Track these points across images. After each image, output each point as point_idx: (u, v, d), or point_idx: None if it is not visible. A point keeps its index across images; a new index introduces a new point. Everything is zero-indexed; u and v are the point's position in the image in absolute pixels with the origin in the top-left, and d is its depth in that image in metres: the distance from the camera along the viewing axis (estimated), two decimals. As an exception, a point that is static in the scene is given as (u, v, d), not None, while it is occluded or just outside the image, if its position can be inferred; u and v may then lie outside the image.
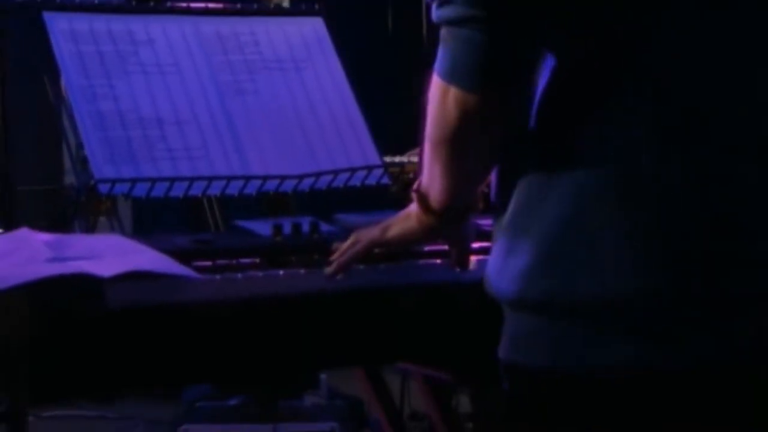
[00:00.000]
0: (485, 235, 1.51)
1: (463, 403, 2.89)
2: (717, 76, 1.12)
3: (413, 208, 1.27)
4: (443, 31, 1.08)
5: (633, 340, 1.08)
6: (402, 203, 1.37)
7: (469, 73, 1.07)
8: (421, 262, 1.47)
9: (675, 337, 1.09)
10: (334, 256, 1.34)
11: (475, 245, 1.39)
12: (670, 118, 1.10)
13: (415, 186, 1.26)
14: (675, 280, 1.08)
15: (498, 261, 1.14)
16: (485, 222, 1.56)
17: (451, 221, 1.27)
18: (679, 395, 1.09)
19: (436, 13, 1.07)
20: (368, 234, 1.34)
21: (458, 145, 1.14)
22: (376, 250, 1.35)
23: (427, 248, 1.46)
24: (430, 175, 1.20)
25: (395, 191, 1.86)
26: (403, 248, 1.38)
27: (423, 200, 1.24)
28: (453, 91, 1.09)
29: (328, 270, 1.33)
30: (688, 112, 1.10)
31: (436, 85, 1.11)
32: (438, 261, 1.45)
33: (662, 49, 1.10)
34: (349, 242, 1.34)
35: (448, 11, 1.05)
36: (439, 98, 1.11)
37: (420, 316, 1.36)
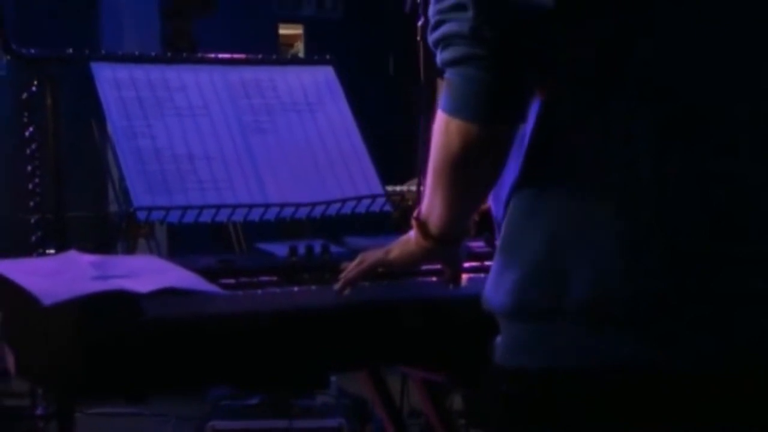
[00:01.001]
0: (476, 256, 1.51)
1: (456, 402, 2.87)
2: (716, 76, 1.04)
3: (413, 233, 1.24)
4: (447, 73, 1.04)
5: (633, 341, 1.00)
6: (402, 227, 1.36)
7: (471, 105, 1.03)
8: (419, 279, 1.46)
9: (676, 338, 1.01)
10: (343, 274, 1.32)
11: (467, 264, 1.39)
12: (670, 119, 1.02)
13: (415, 214, 1.22)
14: (675, 280, 1.01)
15: (494, 273, 1.08)
16: (476, 244, 1.55)
17: (447, 246, 1.23)
18: (680, 395, 1.02)
19: (440, 57, 1.04)
20: (373, 255, 1.32)
21: (459, 172, 1.09)
22: (380, 269, 1.33)
23: (424, 267, 1.46)
24: (431, 204, 1.17)
25: (396, 217, 1.86)
26: (403, 268, 1.35)
27: (422, 227, 1.20)
28: (456, 123, 1.04)
29: (337, 286, 1.32)
30: (688, 112, 1.02)
31: (440, 119, 1.07)
32: (434, 278, 1.44)
33: (662, 51, 1.03)
34: (355, 262, 1.33)
35: (450, 53, 1.02)
36: (443, 130, 1.07)
37: (418, 326, 1.35)
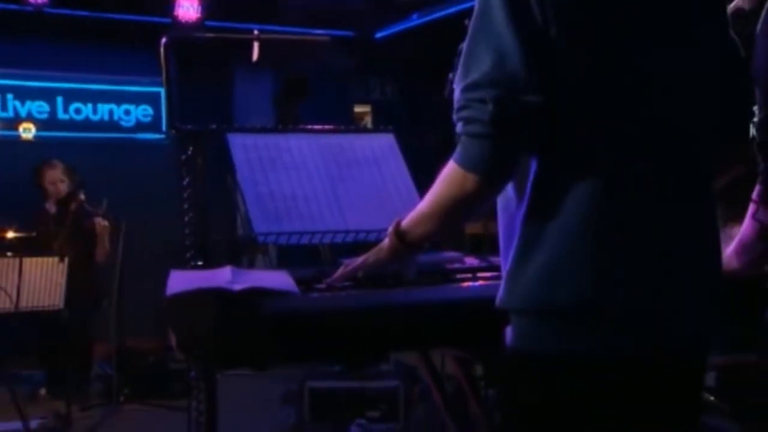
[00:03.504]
0: (470, 270, 1.46)
1: (478, 370, 2.83)
2: (697, 89, 0.93)
3: (386, 243, 1.17)
4: (465, 138, 0.99)
5: (634, 339, 0.89)
6: (438, 246, 1.33)
7: (484, 167, 0.98)
8: (455, 285, 1.42)
9: (677, 337, 0.89)
10: (336, 275, 1.27)
11: (461, 276, 1.34)
12: (670, 119, 0.90)
13: (393, 226, 1.15)
14: (676, 281, 0.89)
15: (508, 277, 1.00)
16: (470, 260, 1.53)
17: (415, 251, 1.16)
18: (679, 387, 0.92)
19: (461, 128, 0.99)
20: (354, 261, 1.25)
21: (460, 212, 1.05)
22: (359, 273, 1.26)
23: (459, 275, 1.43)
24: (422, 220, 1.09)
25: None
26: (377, 270, 1.25)
27: (401, 236, 1.13)
28: (471, 177, 0.99)
29: (329, 280, 1.26)
30: (688, 113, 0.90)
31: (455, 170, 1.01)
32: (468, 284, 1.40)
33: (653, 70, 0.92)
34: (342, 267, 1.27)
35: (471, 128, 0.97)
36: (458, 180, 1.00)
37: (451, 318, 1.31)
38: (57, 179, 4.46)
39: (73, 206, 4.28)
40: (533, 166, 0.98)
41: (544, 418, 0.96)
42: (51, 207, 4.49)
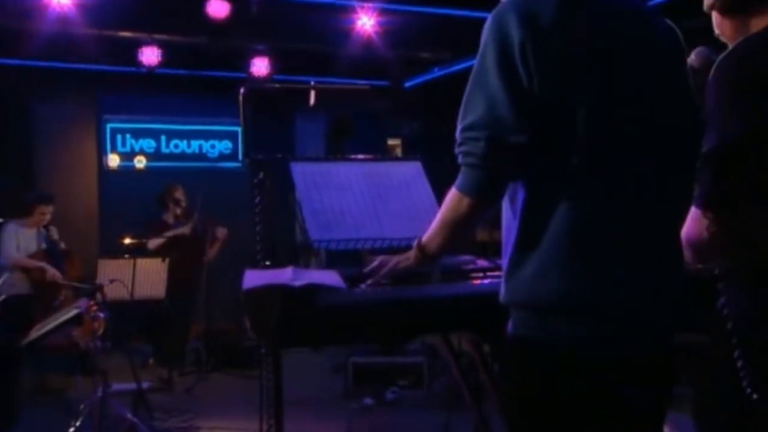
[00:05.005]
0: (482, 270, 1.41)
1: (486, 348, 2.77)
2: (670, 112, 0.85)
3: (412, 253, 1.16)
4: (465, 168, 0.96)
5: (633, 338, 0.79)
6: (455, 252, 1.30)
7: (479, 192, 0.96)
8: (469, 282, 1.39)
9: (666, 325, 0.80)
10: (379, 274, 1.21)
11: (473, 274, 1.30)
12: (664, 126, 0.82)
13: (416, 241, 1.14)
14: (672, 281, 0.79)
15: (507, 275, 0.95)
16: (482, 262, 1.49)
17: (432, 261, 1.14)
18: (661, 370, 0.82)
19: (461, 160, 0.96)
20: (387, 261, 1.21)
21: (461, 227, 1.02)
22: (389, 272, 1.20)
23: (473, 275, 1.39)
24: (435, 238, 1.08)
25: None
26: (405, 273, 1.21)
27: (422, 249, 1.12)
28: (467, 199, 0.97)
29: (370, 281, 1.20)
30: (679, 120, 0.83)
31: (455, 194, 1.00)
32: (479, 281, 1.36)
33: (653, 71, 0.85)
34: (380, 265, 1.22)
35: (468, 159, 0.95)
36: (457, 203, 0.99)
37: (466, 308, 1.28)
38: (179, 198, 4.74)
39: (191, 221, 4.58)
40: (533, 168, 0.92)
41: (542, 405, 0.89)
42: (168, 218, 4.75)
